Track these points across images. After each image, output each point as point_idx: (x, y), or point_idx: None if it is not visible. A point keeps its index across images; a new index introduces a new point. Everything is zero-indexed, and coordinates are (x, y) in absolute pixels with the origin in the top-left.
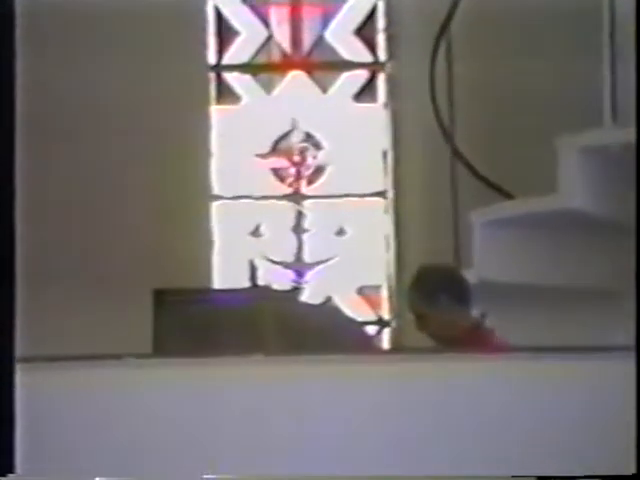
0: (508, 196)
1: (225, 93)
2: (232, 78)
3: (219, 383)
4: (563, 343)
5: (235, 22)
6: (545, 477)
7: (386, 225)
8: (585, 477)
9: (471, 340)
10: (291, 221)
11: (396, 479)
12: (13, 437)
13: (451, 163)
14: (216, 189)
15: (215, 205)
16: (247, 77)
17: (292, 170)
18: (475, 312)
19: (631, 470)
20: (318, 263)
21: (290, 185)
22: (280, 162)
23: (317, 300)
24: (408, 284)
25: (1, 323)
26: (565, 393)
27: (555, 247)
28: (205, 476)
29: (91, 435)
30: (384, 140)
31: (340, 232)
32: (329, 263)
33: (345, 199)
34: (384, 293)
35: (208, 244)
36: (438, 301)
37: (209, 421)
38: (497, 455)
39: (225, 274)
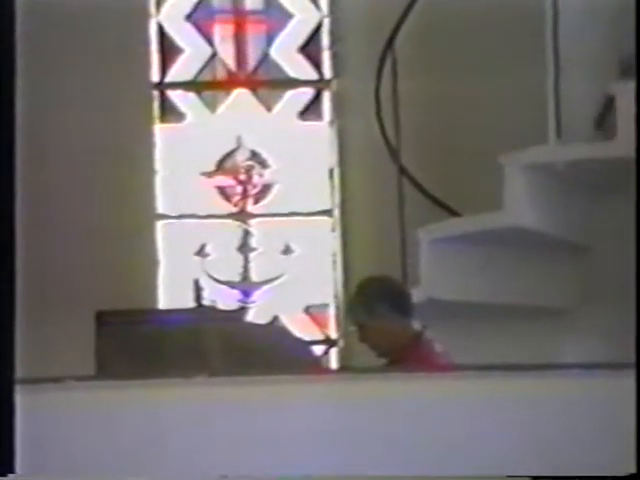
0: (455, 213)
1: (169, 111)
2: (176, 96)
3: (163, 405)
4: (510, 361)
5: (178, 39)
6: (540, 477)
7: (333, 243)
8: (585, 477)
9: (411, 351)
10: (237, 240)
11: (396, 479)
12: (13, 437)
13: (398, 181)
14: (161, 208)
15: (160, 224)
16: (191, 95)
17: (238, 189)
18: (416, 324)
19: (631, 470)
20: (265, 282)
21: (236, 204)
22: (226, 181)
23: (264, 320)
24: (350, 296)
25: None
26: (510, 411)
27: (502, 264)
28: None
29: (31, 458)
30: (330, 158)
31: (287, 251)
32: (276, 282)
33: (292, 218)
34: (331, 312)
35: (153, 264)
36: (377, 310)
37: (152, 443)
38: (443, 473)
39: (170, 294)
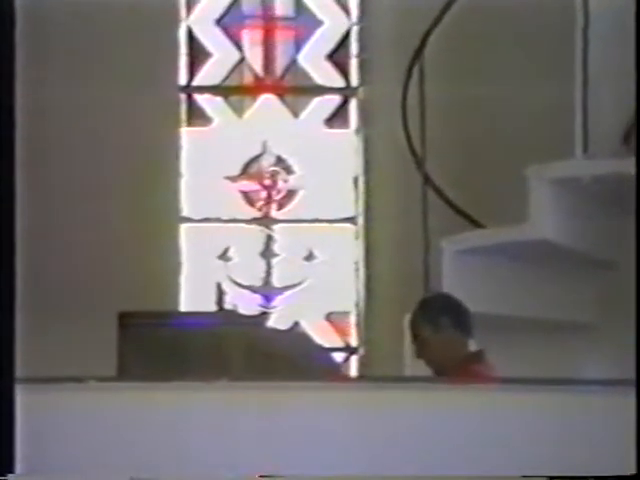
0: (479, 225)
1: (196, 115)
2: (203, 100)
3: (183, 407)
4: (531, 375)
5: (207, 44)
6: (556, 477)
7: (356, 251)
8: (586, 477)
9: (468, 370)
10: (260, 245)
11: (396, 479)
12: (13, 437)
13: (422, 190)
14: (185, 211)
15: (184, 227)
16: (218, 99)
17: (262, 194)
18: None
19: (631, 470)
20: (287, 288)
21: (260, 209)
22: (250, 185)
23: (285, 325)
24: (412, 310)
25: None
26: (533, 425)
27: (525, 277)
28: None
29: (52, 459)
30: (355, 166)
31: (309, 257)
32: (298, 288)
33: (315, 224)
34: (352, 319)
35: (176, 266)
36: (441, 324)
37: (172, 446)
38: None
39: (192, 297)
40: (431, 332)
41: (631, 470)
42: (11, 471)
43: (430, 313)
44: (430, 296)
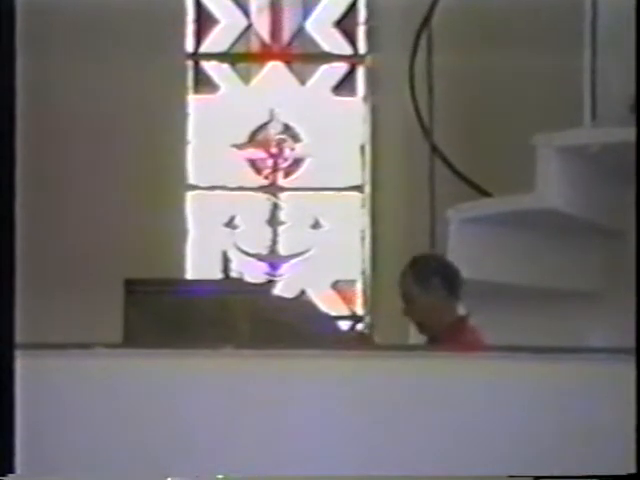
0: (486, 193)
1: (203, 82)
2: (210, 67)
3: (189, 375)
4: (538, 343)
5: (215, 10)
6: (543, 477)
7: (362, 219)
8: (586, 477)
9: (454, 333)
10: (267, 213)
11: (396, 479)
12: (13, 438)
13: (429, 159)
14: (192, 179)
15: (190, 195)
16: (225, 66)
17: (269, 162)
18: (463, 309)
19: (631, 470)
20: (293, 256)
21: (266, 177)
22: (257, 153)
23: (291, 294)
24: (402, 268)
25: None
26: (541, 394)
27: (532, 246)
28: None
29: (58, 427)
30: (362, 134)
31: (316, 225)
32: (304, 256)
33: (322, 192)
34: (358, 288)
35: (182, 234)
36: (431, 284)
37: (178, 413)
38: (470, 454)
39: (198, 265)
40: (420, 292)
41: (631, 470)
42: (11, 471)
43: (420, 273)
44: (422, 255)
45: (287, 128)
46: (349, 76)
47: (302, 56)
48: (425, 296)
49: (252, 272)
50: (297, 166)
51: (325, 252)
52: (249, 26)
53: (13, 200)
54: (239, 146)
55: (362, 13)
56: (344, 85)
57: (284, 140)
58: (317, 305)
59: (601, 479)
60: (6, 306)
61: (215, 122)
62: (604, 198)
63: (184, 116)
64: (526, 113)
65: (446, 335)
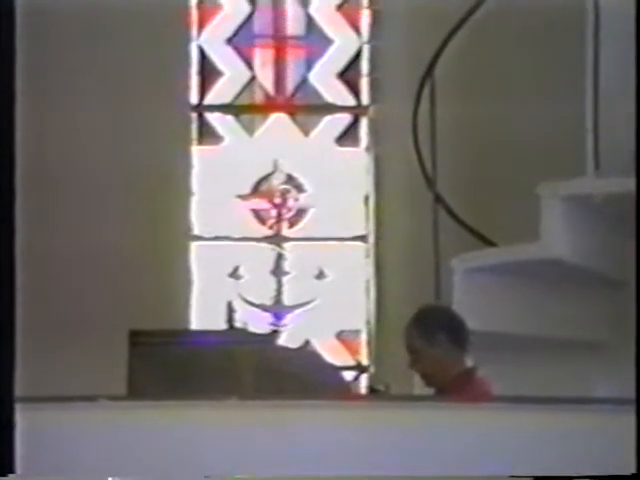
0: (490, 243)
1: (207, 133)
2: (214, 118)
3: (194, 426)
4: (543, 394)
5: (219, 62)
6: (543, 477)
7: (367, 269)
8: (585, 477)
9: (461, 385)
10: (271, 263)
11: (396, 479)
12: (13, 438)
13: (433, 208)
14: (196, 229)
15: (195, 245)
16: (229, 118)
17: (273, 212)
18: (470, 361)
19: (631, 470)
20: (297, 306)
21: (271, 227)
22: (261, 204)
23: (295, 344)
24: (408, 321)
25: None
26: (545, 444)
27: (537, 296)
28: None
29: (63, 477)
30: (366, 184)
31: (320, 275)
32: (308, 306)
33: (326, 242)
34: (363, 338)
35: (187, 284)
36: (436, 339)
37: (183, 464)
38: None
39: (203, 315)
40: (426, 346)
41: (631, 470)
42: (11, 471)
43: (426, 328)
44: (426, 308)
45: (291, 179)
46: (352, 127)
47: (306, 107)
48: (431, 350)
49: (257, 322)
50: (301, 216)
51: (329, 302)
52: (253, 78)
53: (13, 247)
54: (243, 197)
55: (365, 65)
56: (347, 136)
57: (288, 190)
58: (322, 355)
59: (601, 479)
60: (7, 358)
61: (219, 173)
62: (608, 248)
63: (188, 167)
64: (530, 162)
65: (453, 387)
